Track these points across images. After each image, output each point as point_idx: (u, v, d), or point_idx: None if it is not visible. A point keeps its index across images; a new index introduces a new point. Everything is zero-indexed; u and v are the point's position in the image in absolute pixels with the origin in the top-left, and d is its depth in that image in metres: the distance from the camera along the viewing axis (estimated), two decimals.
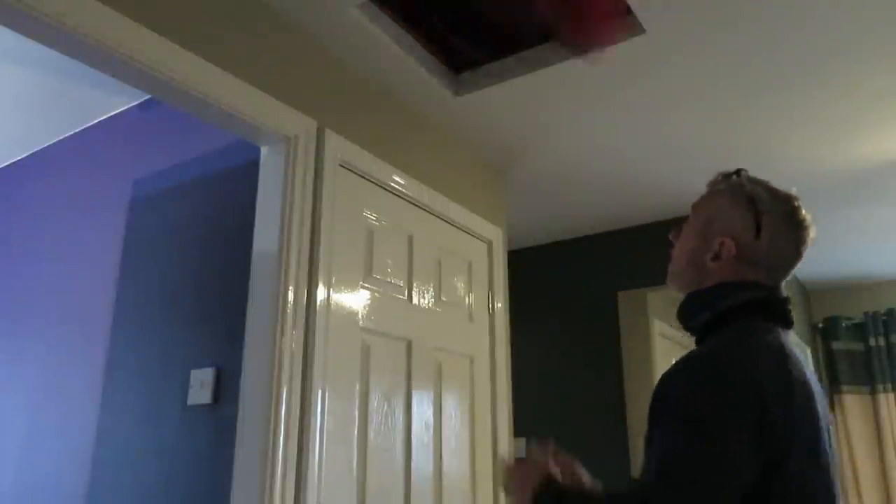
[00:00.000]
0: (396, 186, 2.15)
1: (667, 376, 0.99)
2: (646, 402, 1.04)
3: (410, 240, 2.20)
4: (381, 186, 2.11)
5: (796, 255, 1.09)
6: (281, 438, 1.61)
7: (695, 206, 1.19)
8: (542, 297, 3.66)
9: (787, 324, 1.07)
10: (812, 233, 1.10)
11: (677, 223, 1.23)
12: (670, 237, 1.21)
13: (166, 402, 1.88)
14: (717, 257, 1.09)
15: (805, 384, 0.99)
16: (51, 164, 2.66)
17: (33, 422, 2.24)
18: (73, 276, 2.34)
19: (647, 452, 0.98)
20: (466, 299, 2.43)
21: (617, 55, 2.02)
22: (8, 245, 2.68)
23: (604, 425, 3.28)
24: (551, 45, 2.08)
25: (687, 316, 1.12)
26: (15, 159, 2.82)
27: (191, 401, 1.81)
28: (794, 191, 1.13)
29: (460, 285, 2.41)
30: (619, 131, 2.51)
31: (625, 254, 3.46)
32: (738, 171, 1.17)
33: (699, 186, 1.27)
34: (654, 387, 1.01)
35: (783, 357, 0.98)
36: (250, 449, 1.61)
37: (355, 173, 2.01)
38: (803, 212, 1.10)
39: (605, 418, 3.28)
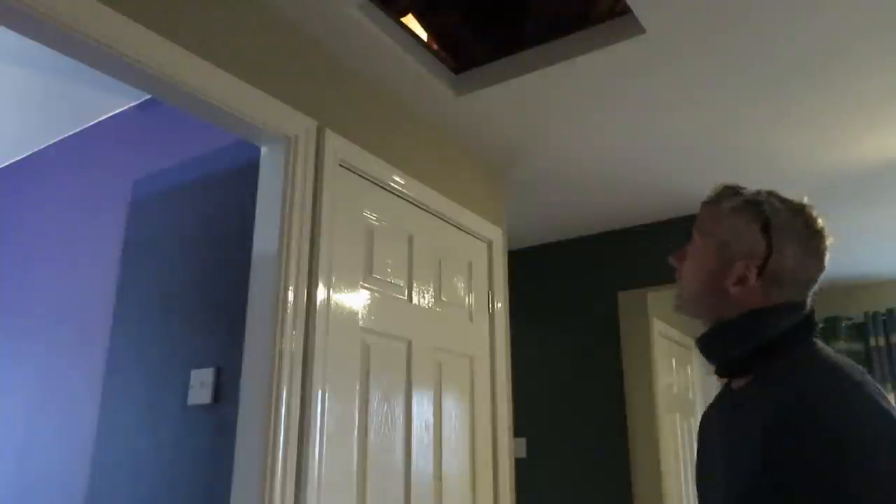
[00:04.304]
0: (396, 186, 2.15)
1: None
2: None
3: (410, 240, 2.20)
4: (381, 186, 2.11)
5: (820, 266, 1.04)
6: (281, 438, 1.61)
7: (702, 227, 1.09)
8: (542, 297, 3.66)
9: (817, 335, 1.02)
10: (829, 240, 1.05)
11: (677, 248, 1.15)
12: (671, 261, 1.13)
13: (166, 402, 1.88)
14: (740, 282, 1.02)
15: None
16: (51, 164, 2.66)
17: (33, 421, 2.24)
18: (73, 276, 2.34)
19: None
20: (466, 299, 2.43)
21: (617, 55, 2.03)
22: (8, 245, 2.68)
23: (604, 425, 3.28)
24: (551, 45, 2.08)
25: (718, 349, 1.04)
26: (15, 159, 2.82)
27: (191, 401, 1.81)
28: (805, 199, 1.07)
29: (460, 285, 2.41)
30: (619, 131, 2.51)
31: (625, 254, 3.46)
32: (738, 188, 1.09)
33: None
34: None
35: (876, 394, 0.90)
36: (250, 449, 1.61)
37: (355, 173, 2.02)
38: (819, 220, 1.04)
39: (605, 418, 3.28)
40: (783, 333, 0.99)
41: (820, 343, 0.99)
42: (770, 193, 1.06)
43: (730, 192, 1.08)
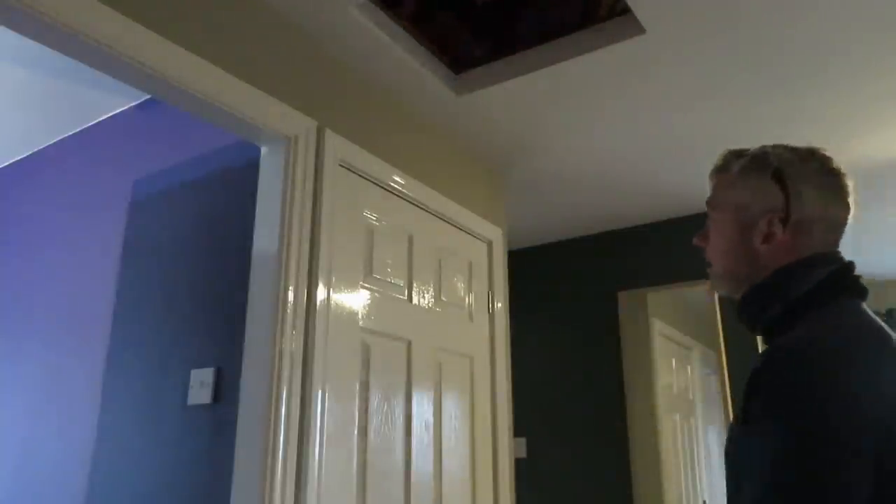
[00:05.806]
0: (396, 186, 2.15)
1: (764, 370, 0.84)
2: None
3: (410, 240, 2.20)
4: (381, 186, 2.11)
5: (845, 206, 0.99)
6: (281, 438, 1.61)
7: (716, 199, 1.06)
8: (542, 297, 3.66)
9: (862, 292, 0.95)
10: (849, 181, 1.00)
11: (700, 227, 1.10)
12: (695, 242, 1.08)
13: (166, 402, 1.88)
14: (767, 239, 0.98)
15: None
16: (51, 164, 2.66)
17: (33, 421, 2.24)
18: (73, 276, 2.34)
19: (741, 458, 0.86)
20: (466, 299, 2.43)
21: (617, 55, 2.03)
22: (8, 245, 2.68)
23: (604, 425, 3.27)
24: (551, 45, 2.08)
25: (754, 313, 0.99)
26: (15, 159, 2.82)
27: (191, 401, 1.81)
28: (812, 144, 1.03)
29: (460, 285, 2.41)
30: (618, 131, 2.51)
31: (625, 254, 3.46)
32: (741, 151, 1.07)
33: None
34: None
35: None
36: (250, 449, 1.61)
37: (355, 173, 2.02)
38: (834, 161, 1.00)
39: (605, 418, 3.28)
40: (811, 291, 0.93)
41: (853, 304, 0.92)
42: (776, 145, 1.03)
43: (733, 155, 1.05)
